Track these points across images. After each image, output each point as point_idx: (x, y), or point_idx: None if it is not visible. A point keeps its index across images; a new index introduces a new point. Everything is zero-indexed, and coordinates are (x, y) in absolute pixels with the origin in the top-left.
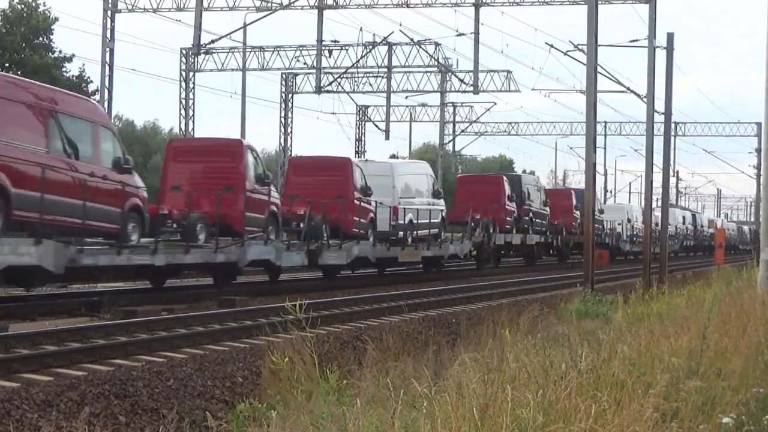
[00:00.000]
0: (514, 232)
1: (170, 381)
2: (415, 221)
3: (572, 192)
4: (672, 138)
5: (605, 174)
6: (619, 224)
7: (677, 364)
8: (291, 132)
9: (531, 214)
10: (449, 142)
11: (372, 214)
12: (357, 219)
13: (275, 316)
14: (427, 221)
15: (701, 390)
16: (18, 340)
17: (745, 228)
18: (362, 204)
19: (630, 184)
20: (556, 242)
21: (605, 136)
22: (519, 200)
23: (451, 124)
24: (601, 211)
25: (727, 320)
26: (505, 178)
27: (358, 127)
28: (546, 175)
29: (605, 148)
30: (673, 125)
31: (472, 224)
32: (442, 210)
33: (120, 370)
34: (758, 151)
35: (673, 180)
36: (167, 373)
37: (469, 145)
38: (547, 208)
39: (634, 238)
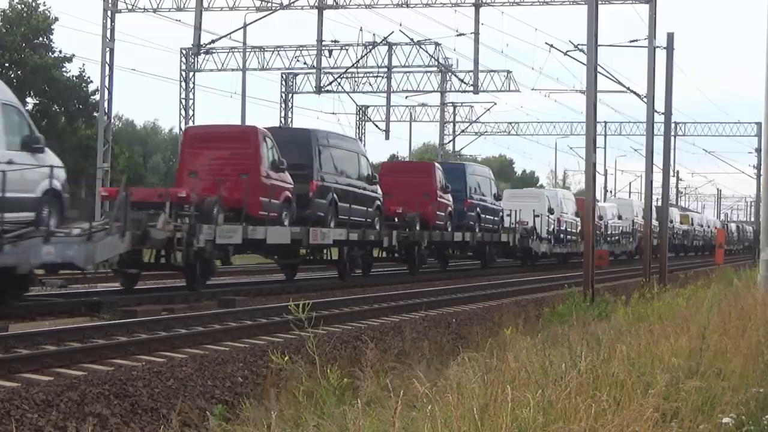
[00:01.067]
0: (286, 223)
1: (170, 381)
2: None
3: (435, 167)
4: (672, 138)
5: (605, 174)
6: (537, 216)
7: (677, 364)
8: None
9: (335, 197)
10: (449, 142)
11: None
12: None
13: (275, 316)
14: None
15: (701, 390)
16: (18, 340)
17: (733, 226)
18: None
19: (630, 184)
20: (390, 241)
21: (605, 136)
22: (309, 173)
23: (451, 124)
24: (498, 198)
25: (727, 320)
26: (263, 132)
27: (358, 127)
28: (546, 175)
29: (605, 148)
30: (673, 125)
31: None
32: (44, 178)
33: (120, 370)
34: (758, 151)
35: (673, 180)
36: (167, 373)
37: (469, 145)
38: (376, 189)
39: (562, 236)
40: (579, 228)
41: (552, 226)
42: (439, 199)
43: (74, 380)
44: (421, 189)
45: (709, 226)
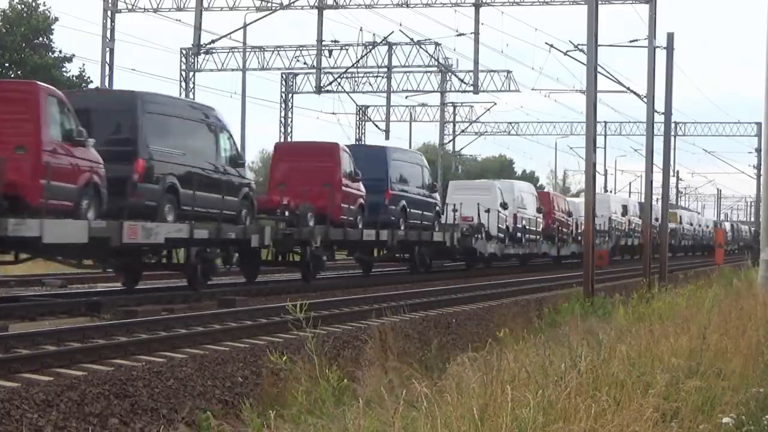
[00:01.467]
0: (90, 215)
1: (170, 381)
2: None
3: (340, 149)
4: (672, 138)
5: (605, 174)
6: (486, 211)
7: (677, 364)
8: (291, 132)
9: (174, 181)
10: (449, 142)
11: None
12: None
13: (275, 316)
14: None
15: (701, 390)
16: (18, 340)
17: (727, 226)
18: None
19: (630, 184)
20: (261, 240)
21: (605, 136)
22: (133, 149)
23: (451, 124)
24: (433, 189)
25: (727, 320)
26: (49, 92)
27: (358, 127)
28: (546, 174)
29: (605, 148)
30: (673, 125)
31: None
32: None
33: (120, 370)
34: (758, 151)
35: (673, 180)
36: (167, 373)
37: (469, 145)
38: (244, 173)
39: (519, 234)
40: (541, 226)
41: (506, 224)
42: (344, 188)
43: (74, 380)
44: (322, 176)
45: (700, 225)
